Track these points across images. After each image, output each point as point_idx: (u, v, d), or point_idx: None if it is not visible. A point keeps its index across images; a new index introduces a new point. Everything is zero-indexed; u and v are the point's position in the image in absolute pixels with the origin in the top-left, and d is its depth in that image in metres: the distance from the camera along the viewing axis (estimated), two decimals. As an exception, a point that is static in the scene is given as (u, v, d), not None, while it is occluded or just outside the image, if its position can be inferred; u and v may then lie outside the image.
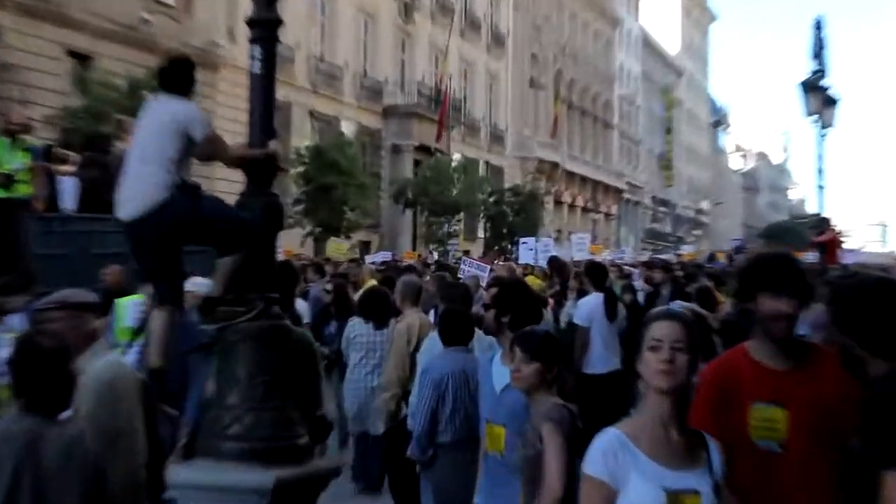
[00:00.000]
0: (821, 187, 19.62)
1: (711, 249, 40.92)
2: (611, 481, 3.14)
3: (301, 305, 10.06)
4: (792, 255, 3.72)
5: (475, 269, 13.99)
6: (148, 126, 5.53)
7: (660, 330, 3.24)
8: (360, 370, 9.13)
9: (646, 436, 3.18)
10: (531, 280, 10.64)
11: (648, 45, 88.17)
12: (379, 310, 8.89)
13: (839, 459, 3.32)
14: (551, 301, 12.88)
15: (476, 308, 9.45)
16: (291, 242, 30.49)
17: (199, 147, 5.43)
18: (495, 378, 5.12)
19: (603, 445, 3.19)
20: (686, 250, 43.52)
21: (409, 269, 14.79)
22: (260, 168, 5.25)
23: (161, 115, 5.51)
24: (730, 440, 3.38)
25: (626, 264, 21.22)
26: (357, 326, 9.33)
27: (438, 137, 44.52)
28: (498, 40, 57.53)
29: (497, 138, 57.49)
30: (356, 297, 12.99)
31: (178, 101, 5.51)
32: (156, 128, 5.46)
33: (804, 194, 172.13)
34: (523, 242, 26.56)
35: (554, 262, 15.60)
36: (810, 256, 20.97)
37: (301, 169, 33.75)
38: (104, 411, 3.88)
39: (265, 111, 5.31)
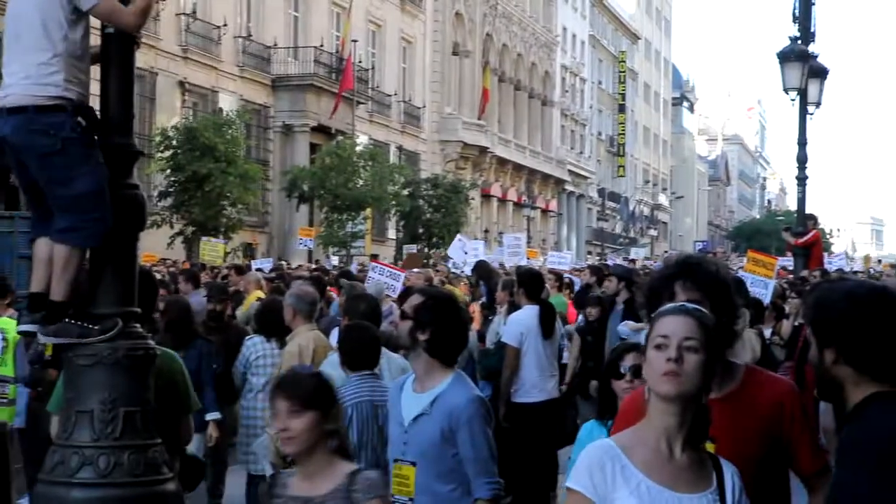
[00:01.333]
0: (802, 178, 19.96)
1: (670, 252, 41.56)
2: (595, 497, 3.20)
3: None
4: (688, 258, 3.88)
5: (386, 277, 14.01)
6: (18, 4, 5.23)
7: (667, 325, 3.27)
8: (264, 396, 9.12)
9: (643, 449, 3.24)
10: (449, 290, 10.70)
11: (598, 4, 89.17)
12: (282, 325, 8.87)
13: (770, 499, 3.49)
14: (476, 315, 12.98)
15: (385, 326, 9.52)
16: (155, 245, 30.17)
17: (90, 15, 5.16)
18: (405, 408, 5.16)
19: (590, 457, 3.25)
20: (637, 255, 44.09)
21: (317, 280, 14.75)
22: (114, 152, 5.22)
23: None
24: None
25: (568, 271, 21.44)
26: (258, 346, 9.40)
27: (334, 111, 44.41)
28: (413, -4, 57.73)
29: (412, 117, 57.61)
30: (239, 312, 13.01)
31: None
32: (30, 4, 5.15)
33: (783, 186, 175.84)
34: (458, 239, 26.79)
35: (480, 267, 15.71)
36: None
37: (168, 154, 33.41)
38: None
39: (123, 84, 5.29)
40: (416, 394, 5.12)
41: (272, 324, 9.14)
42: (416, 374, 5.20)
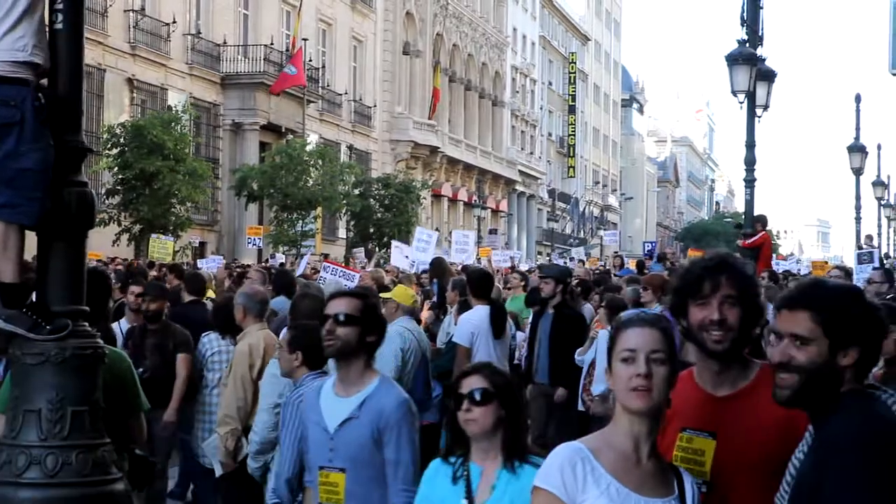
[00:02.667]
0: (750, 180, 20.13)
1: (620, 253, 41.75)
2: (565, 497, 3.26)
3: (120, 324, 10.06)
4: (727, 255, 3.89)
5: (339, 277, 13.98)
6: None
7: (633, 338, 3.31)
8: (219, 392, 9.17)
9: (612, 453, 3.30)
10: (399, 290, 10.65)
11: (548, 5, 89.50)
12: (233, 323, 8.87)
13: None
14: (426, 315, 12.98)
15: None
16: (102, 243, 29.96)
17: None
18: (327, 412, 5.09)
19: (560, 458, 3.31)
20: (582, 254, 44.27)
21: (282, 274, 14.66)
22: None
23: None
24: None
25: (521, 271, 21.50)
26: (214, 342, 9.58)
27: (277, 88, 44.20)
28: (364, -5, 57.67)
29: (363, 117, 57.55)
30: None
31: None
32: None
33: (731, 188, 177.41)
34: (421, 236, 26.39)
35: (436, 266, 15.69)
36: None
37: (116, 152, 33.17)
38: None
39: (73, 81, 5.25)
40: (339, 398, 5.08)
41: (227, 321, 9.15)
42: (341, 377, 5.15)
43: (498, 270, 26.48)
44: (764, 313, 3.86)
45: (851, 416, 3.15)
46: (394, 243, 26.96)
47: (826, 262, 29.22)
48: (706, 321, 3.63)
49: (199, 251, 37.94)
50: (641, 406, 3.29)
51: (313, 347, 6.07)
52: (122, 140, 33.42)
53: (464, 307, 11.06)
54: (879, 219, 43.47)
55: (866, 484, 3.04)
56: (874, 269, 18.16)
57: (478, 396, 4.16)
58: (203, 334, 9.88)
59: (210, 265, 24.47)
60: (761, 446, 3.54)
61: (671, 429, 3.67)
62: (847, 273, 16.96)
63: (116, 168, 33.19)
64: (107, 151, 33.03)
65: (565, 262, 31.30)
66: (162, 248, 27.27)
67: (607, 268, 27.47)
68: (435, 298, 13.96)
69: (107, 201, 32.96)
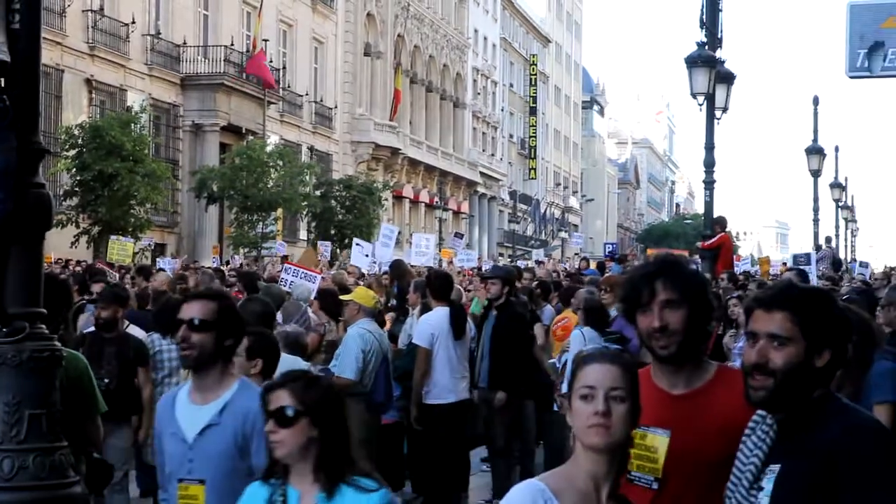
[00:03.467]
0: (710, 182, 20.22)
1: (584, 255, 41.94)
2: None
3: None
4: (665, 259, 3.89)
5: (301, 279, 13.90)
6: None
7: (592, 375, 3.24)
8: (162, 390, 9.32)
9: (573, 493, 3.21)
10: (360, 291, 10.64)
11: (509, 7, 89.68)
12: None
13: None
14: (388, 317, 12.97)
15: (291, 326, 9.46)
16: (60, 245, 29.77)
17: None
18: (184, 422, 4.86)
19: (523, 496, 3.21)
20: (539, 255, 44.32)
21: (246, 276, 14.56)
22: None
23: None
24: None
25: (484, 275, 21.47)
26: (156, 342, 9.80)
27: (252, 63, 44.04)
28: (325, -4, 57.57)
29: (324, 118, 57.44)
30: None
31: None
32: None
33: (691, 190, 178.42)
34: (385, 232, 26.35)
35: (395, 267, 15.67)
36: (696, 264, 21.61)
37: (73, 153, 32.94)
38: None
39: (30, 81, 5.22)
40: (196, 406, 4.86)
41: (170, 322, 9.07)
42: (197, 384, 4.92)
43: (460, 271, 26.54)
44: (714, 309, 3.86)
45: (856, 421, 3.19)
46: (356, 241, 26.86)
47: (768, 259, 29.51)
48: (650, 329, 3.65)
49: (160, 252, 37.73)
50: (599, 442, 3.19)
51: (275, 355, 6.02)
52: (80, 141, 33.19)
53: (426, 309, 11.07)
54: (837, 220, 43.93)
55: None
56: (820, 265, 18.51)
57: (285, 415, 3.80)
58: (147, 334, 9.92)
59: (171, 266, 24.41)
60: (715, 445, 3.54)
61: None
62: (802, 276, 17.03)
63: (74, 169, 32.95)
64: (65, 153, 32.79)
65: (528, 264, 31.30)
66: (121, 249, 27.11)
67: (574, 269, 27.48)
68: (394, 301, 13.95)
69: (65, 203, 32.74)
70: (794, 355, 3.22)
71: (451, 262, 30.34)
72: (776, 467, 3.22)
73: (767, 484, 3.22)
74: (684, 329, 3.64)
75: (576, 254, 37.79)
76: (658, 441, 3.63)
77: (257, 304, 7.99)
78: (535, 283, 16.14)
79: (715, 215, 20.53)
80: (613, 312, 10.36)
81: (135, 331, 9.80)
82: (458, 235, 41.05)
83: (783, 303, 3.27)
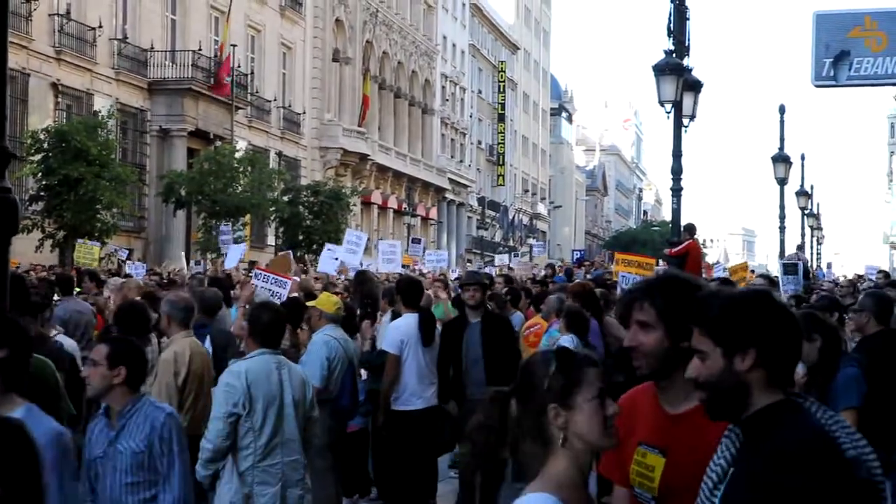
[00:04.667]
0: (677, 189, 20.27)
1: (549, 261, 41.96)
2: None
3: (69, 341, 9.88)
4: (652, 280, 3.90)
5: (271, 285, 13.83)
6: None
7: (600, 378, 3.26)
8: None
9: (576, 495, 3.21)
10: (322, 298, 10.57)
11: (478, 13, 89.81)
12: (138, 326, 8.81)
13: None
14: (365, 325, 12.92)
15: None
16: (24, 250, 29.56)
17: None
18: None
19: None
20: (504, 262, 44.28)
21: (216, 281, 14.39)
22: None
23: None
24: (625, 484, 3.78)
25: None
26: None
27: (218, 86, 43.88)
28: (294, 1, 57.41)
29: (292, 123, 57.32)
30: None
31: None
32: None
33: (658, 197, 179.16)
34: (350, 238, 26.16)
35: (359, 275, 15.65)
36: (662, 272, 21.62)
37: (39, 157, 32.70)
38: None
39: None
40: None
41: (130, 325, 9.06)
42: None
43: (425, 273, 26.47)
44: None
45: (795, 430, 3.14)
46: (327, 246, 26.73)
47: (746, 264, 29.49)
48: (630, 347, 3.72)
49: (125, 257, 37.49)
50: (616, 441, 3.28)
51: (140, 363, 5.86)
52: (45, 145, 32.95)
53: (396, 316, 11.06)
54: (803, 228, 44.10)
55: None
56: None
57: None
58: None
59: (137, 272, 24.25)
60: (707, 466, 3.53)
61: (631, 442, 3.71)
62: (771, 282, 17.12)
63: (40, 174, 32.72)
64: (30, 157, 32.56)
65: (496, 270, 31.28)
66: (88, 253, 26.90)
67: (541, 276, 27.44)
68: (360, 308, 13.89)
69: (30, 207, 32.51)
70: (714, 366, 3.20)
71: (415, 266, 30.24)
72: (733, 470, 3.25)
73: (725, 486, 3.24)
74: (657, 351, 3.67)
75: (549, 263, 37.70)
76: (655, 461, 3.68)
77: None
78: (505, 289, 16.11)
79: (683, 222, 20.56)
80: None
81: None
82: (416, 241, 40.95)
83: (694, 317, 3.29)
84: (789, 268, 20.47)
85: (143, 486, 5.57)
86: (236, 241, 38.77)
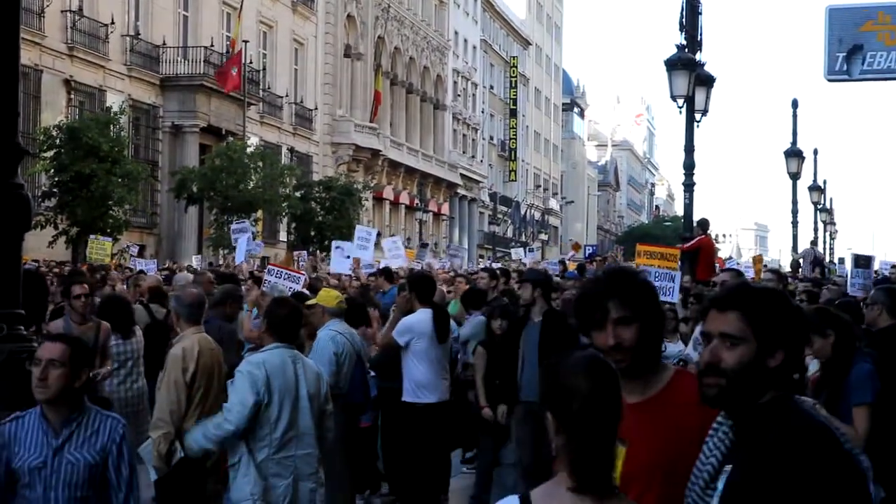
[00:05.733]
0: (689, 185, 20.23)
1: (560, 256, 41.94)
2: None
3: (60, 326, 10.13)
4: (612, 275, 3.93)
5: (284, 280, 13.86)
6: None
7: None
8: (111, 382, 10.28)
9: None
10: (323, 294, 10.54)
11: (490, 9, 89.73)
12: (121, 318, 9.36)
13: None
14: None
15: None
16: (38, 246, 29.64)
17: None
18: None
19: None
20: (518, 256, 44.23)
21: (227, 277, 14.41)
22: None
23: None
24: None
25: (463, 274, 21.43)
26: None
27: (224, 82, 43.83)
28: (305, -2, 57.46)
29: (304, 119, 57.35)
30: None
31: None
32: None
33: (670, 192, 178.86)
34: (361, 234, 26.07)
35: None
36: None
37: (51, 154, 32.78)
38: None
39: (8, 82, 5.20)
40: None
41: (112, 317, 10.14)
42: None
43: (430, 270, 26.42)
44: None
45: (799, 423, 3.14)
46: (335, 243, 26.66)
47: (760, 257, 29.40)
48: (605, 347, 3.69)
49: (139, 254, 37.58)
50: None
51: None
52: (57, 142, 33.03)
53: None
54: (816, 223, 44.02)
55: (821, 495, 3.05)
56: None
57: None
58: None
59: (149, 268, 24.28)
60: (671, 452, 3.56)
61: None
62: (781, 277, 16.95)
63: (52, 170, 32.80)
64: (43, 154, 32.64)
65: (506, 265, 31.22)
66: (100, 248, 26.96)
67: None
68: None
69: (43, 204, 32.59)
70: (745, 355, 3.20)
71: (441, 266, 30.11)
72: (729, 468, 3.22)
73: (720, 484, 3.22)
74: (637, 343, 3.70)
75: (560, 260, 37.59)
76: (617, 451, 3.65)
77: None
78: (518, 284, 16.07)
79: (695, 217, 20.50)
80: None
81: None
82: (423, 245, 40.94)
83: (735, 302, 3.26)
84: (861, 260, 17.41)
85: (91, 500, 5.19)
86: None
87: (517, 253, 48.24)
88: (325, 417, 7.55)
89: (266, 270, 15.58)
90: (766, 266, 27.74)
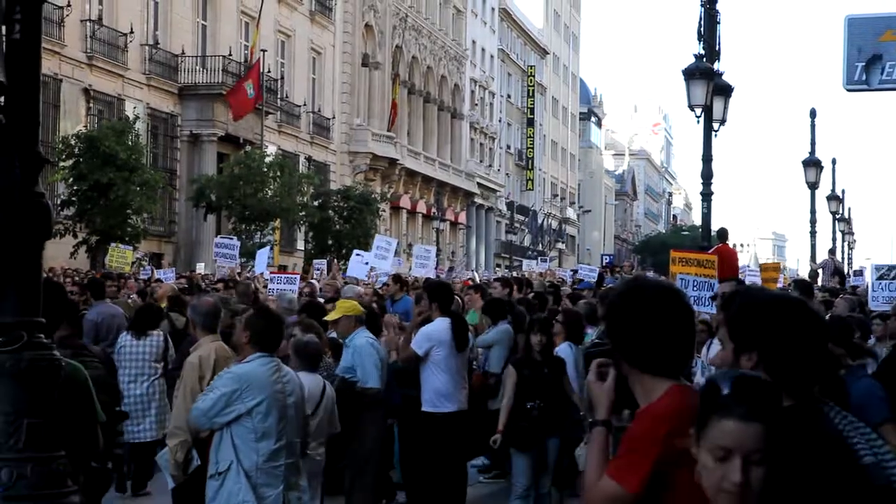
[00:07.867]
0: (707, 194, 20.20)
1: (578, 266, 41.87)
2: None
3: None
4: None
5: (284, 284, 13.98)
6: None
7: (731, 436, 2.80)
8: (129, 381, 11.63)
9: None
10: (345, 304, 10.62)
11: (507, 18, 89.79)
12: (137, 318, 10.38)
13: None
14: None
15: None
16: (58, 255, 29.77)
17: None
18: None
19: None
20: (532, 266, 44.13)
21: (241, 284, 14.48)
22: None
23: None
24: None
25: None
26: (122, 338, 11.88)
27: (237, 112, 43.92)
28: (324, 6, 57.56)
29: (322, 128, 57.46)
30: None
31: None
32: None
33: (688, 201, 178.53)
34: (380, 244, 26.11)
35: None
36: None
37: (70, 163, 32.94)
38: None
39: (30, 92, 5.22)
40: None
41: (139, 323, 11.68)
42: None
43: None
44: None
45: (806, 436, 3.13)
46: (355, 252, 26.71)
47: (778, 264, 29.26)
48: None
49: (156, 262, 37.69)
50: None
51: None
52: (76, 151, 33.19)
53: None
54: (834, 232, 43.83)
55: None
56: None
57: None
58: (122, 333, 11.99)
59: (167, 277, 24.36)
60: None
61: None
62: (806, 287, 16.77)
63: (71, 179, 32.95)
64: (62, 162, 32.79)
65: (521, 274, 31.16)
66: (121, 256, 27.06)
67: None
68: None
69: (62, 213, 32.73)
70: (727, 357, 3.32)
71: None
72: None
73: None
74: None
75: (573, 270, 37.51)
76: None
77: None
78: (532, 293, 16.06)
79: (713, 227, 20.47)
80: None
81: None
82: (450, 270, 40.97)
83: (724, 308, 3.48)
84: (884, 272, 15.51)
85: None
86: (261, 246, 38.93)
87: (528, 265, 48.16)
88: (308, 426, 7.61)
89: (269, 279, 15.80)
90: (784, 272, 27.64)
